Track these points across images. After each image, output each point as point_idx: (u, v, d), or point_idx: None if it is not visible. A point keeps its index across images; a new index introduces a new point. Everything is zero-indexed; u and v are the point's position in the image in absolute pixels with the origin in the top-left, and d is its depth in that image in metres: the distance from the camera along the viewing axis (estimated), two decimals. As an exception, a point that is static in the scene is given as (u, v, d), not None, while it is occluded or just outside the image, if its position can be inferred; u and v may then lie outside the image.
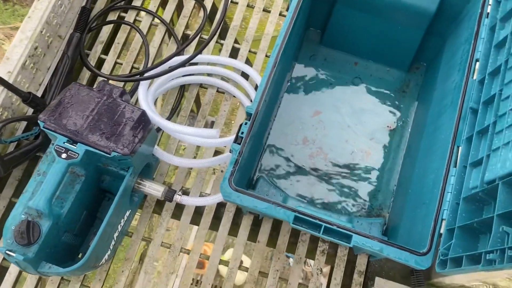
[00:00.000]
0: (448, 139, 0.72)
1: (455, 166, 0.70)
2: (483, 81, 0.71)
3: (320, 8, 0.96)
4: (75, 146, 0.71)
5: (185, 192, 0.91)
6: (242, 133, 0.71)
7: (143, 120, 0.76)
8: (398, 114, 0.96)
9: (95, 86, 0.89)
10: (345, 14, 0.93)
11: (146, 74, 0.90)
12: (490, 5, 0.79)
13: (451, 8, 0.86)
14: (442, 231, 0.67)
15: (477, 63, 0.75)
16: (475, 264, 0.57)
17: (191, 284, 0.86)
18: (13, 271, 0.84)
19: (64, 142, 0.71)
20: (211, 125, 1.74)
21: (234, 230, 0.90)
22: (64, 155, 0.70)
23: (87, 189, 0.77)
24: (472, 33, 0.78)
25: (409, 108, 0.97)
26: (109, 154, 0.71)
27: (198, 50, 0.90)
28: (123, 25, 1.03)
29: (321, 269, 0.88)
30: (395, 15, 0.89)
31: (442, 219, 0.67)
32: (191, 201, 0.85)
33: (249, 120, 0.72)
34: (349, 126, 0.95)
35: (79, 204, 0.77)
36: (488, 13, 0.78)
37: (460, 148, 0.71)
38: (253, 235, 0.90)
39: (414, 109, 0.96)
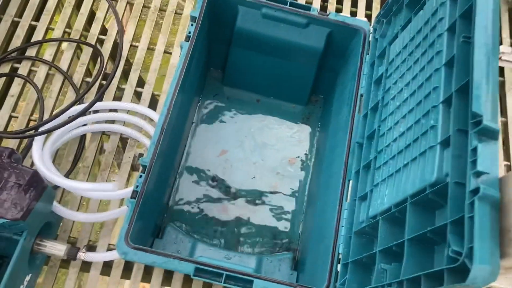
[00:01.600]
0: (340, 173, 0.75)
1: (347, 200, 0.73)
2: (367, 116, 0.76)
3: (218, 49, 0.97)
4: (-42, 216, 0.67)
5: (92, 246, 0.88)
6: (137, 186, 0.70)
7: (35, 180, 0.73)
8: (302, 147, 1.00)
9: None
10: (241, 55, 0.95)
11: (41, 128, 0.87)
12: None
13: (338, 45, 0.90)
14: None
15: (362, 99, 0.79)
16: (365, 300, 0.59)
17: None
18: None
19: None
20: (138, 156, 1.70)
21: (146, 278, 0.88)
22: None
23: (-23, 259, 0.73)
24: (356, 69, 0.83)
25: (312, 140, 1.00)
26: (-3, 222, 0.67)
27: (95, 98, 0.88)
28: (17, 77, 0.99)
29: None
30: (287, 53, 0.93)
31: (338, 253, 0.69)
32: (96, 257, 0.82)
33: (143, 173, 0.71)
34: (255, 163, 0.97)
35: (-30, 275, 0.72)
36: (369, 50, 0.83)
37: (351, 181, 0.74)
38: (166, 283, 0.88)
39: (316, 141, 1.00)
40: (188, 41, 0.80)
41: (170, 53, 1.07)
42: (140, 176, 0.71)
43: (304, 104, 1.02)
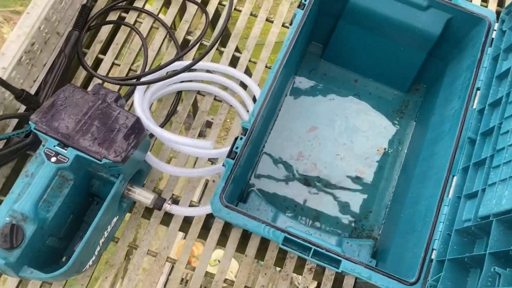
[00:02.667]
0: (444, 167, 0.72)
1: (449, 196, 0.69)
2: (483, 112, 0.71)
3: (324, 22, 0.95)
4: (66, 150, 0.69)
5: (175, 201, 0.90)
6: (237, 148, 0.70)
7: (136, 127, 0.74)
8: (395, 134, 0.96)
9: (90, 88, 0.88)
10: (348, 30, 0.92)
11: (143, 79, 0.89)
12: (495, 32, 0.78)
13: (456, 33, 0.85)
14: (432, 261, 0.66)
15: (478, 92, 0.74)
16: (463, 300, 0.56)
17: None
18: (-6, 271, 0.82)
19: (54, 146, 0.69)
20: (206, 125, 1.72)
21: (222, 241, 0.89)
22: (53, 159, 0.69)
23: (75, 194, 0.76)
24: (474, 60, 0.78)
25: (406, 130, 0.96)
26: (100, 161, 0.69)
27: (199, 58, 0.89)
28: (123, 25, 1.02)
29: (307, 287, 0.87)
30: (398, 35, 0.88)
31: (432, 249, 0.66)
32: (180, 211, 0.84)
33: (244, 135, 0.71)
34: (345, 144, 0.94)
35: (66, 208, 0.76)
36: (492, 42, 0.77)
37: (455, 177, 0.70)
38: (241, 248, 0.89)
39: (411, 131, 0.96)
40: (303, 9, 0.78)
41: (272, 22, 1.06)
42: (241, 138, 0.71)
43: (404, 91, 0.98)
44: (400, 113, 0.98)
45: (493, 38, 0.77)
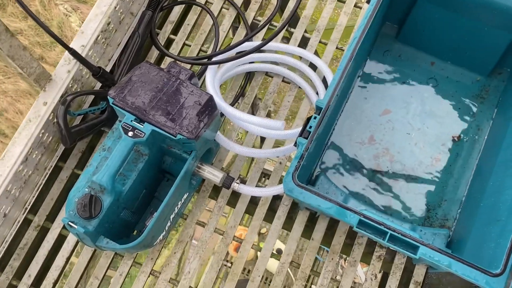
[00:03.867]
0: (533, 154, 0.67)
1: (540, 185, 0.64)
2: None
3: (401, 2, 0.90)
4: (142, 125, 0.71)
5: (242, 181, 0.90)
6: (310, 127, 0.68)
7: (209, 105, 0.74)
8: (474, 121, 0.90)
9: (164, 66, 0.89)
10: (427, 10, 0.87)
11: (214, 59, 0.89)
12: None
13: (548, 12, 0.78)
14: (518, 252, 0.62)
15: None
16: (558, 295, 0.52)
17: (242, 273, 0.85)
18: (71, 240, 0.86)
19: (131, 120, 0.71)
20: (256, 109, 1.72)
21: (288, 224, 0.88)
22: (130, 133, 0.70)
23: (149, 169, 0.78)
24: None
25: (486, 116, 0.90)
26: (175, 137, 0.70)
27: (269, 38, 0.88)
28: (194, 6, 1.02)
29: (376, 274, 0.85)
30: (483, 15, 0.83)
31: (520, 240, 0.62)
32: (248, 191, 0.84)
33: (318, 115, 0.69)
34: (420, 129, 0.90)
35: (140, 182, 0.77)
36: None
37: (547, 165, 0.65)
38: (307, 232, 0.88)
39: (492, 117, 0.90)
40: (382, -14, 0.75)
41: (344, 2, 1.03)
42: (315, 118, 0.69)
43: (485, 75, 0.92)
44: (480, 98, 0.92)
45: None
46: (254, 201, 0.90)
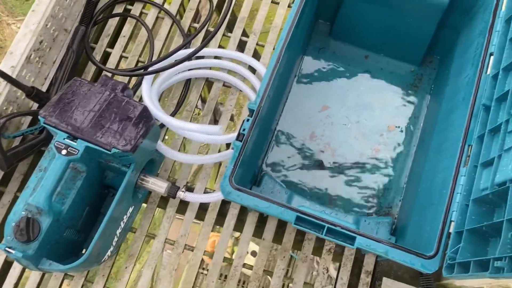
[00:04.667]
0: (459, 137, 0.69)
1: (466, 166, 0.67)
2: (497, 77, 0.68)
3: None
4: (75, 142, 0.70)
5: (190, 188, 0.90)
6: (244, 130, 0.69)
7: (144, 116, 0.74)
8: (410, 109, 0.93)
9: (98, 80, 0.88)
10: (355, 5, 0.90)
11: (150, 69, 0.89)
12: (506, -4, 0.75)
13: (465, 0, 0.82)
14: (450, 233, 0.64)
15: (491, 58, 0.72)
16: (483, 271, 0.54)
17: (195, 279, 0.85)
18: (17, 266, 0.84)
19: (64, 138, 0.70)
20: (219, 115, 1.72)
21: (239, 227, 0.89)
22: (64, 151, 0.70)
23: (89, 185, 0.77)
24: (486, 26, 0.75)
25: (421, 103, 0.94)
26: (110, 151, 0.70)
27: (203, 43, 0.88)
28: (129, 18, 1.02)
29: (327, 268, 0.86)
30: (407, 6, 0.86)
31: (450, 221, 0.64)
32: (194, 198, 0.84)
33: (251, 117, 0.70)
34: (358, 122, 0.93)
35: (81, 200, 0.76)
36: (504, 5, 0.74)
37: (471, 147, 0.68)
38: (258, 232, 0.88)
39: (426, 104, 0.93)
40: (304, -14, 0.76)
41: (278, 3, 1.04)
42: (248, 120, 0.70)
43: (417, 64, 0.95)
44: (414, 87, 0.95)
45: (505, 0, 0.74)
46: (203, 208, 0.90)
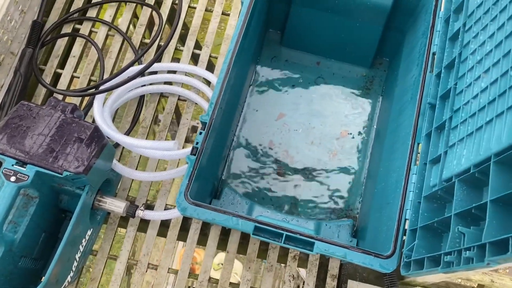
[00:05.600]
0: (408, 136, 0.71)
1: (416, 164, 0.68)
2: (440, 75, 0.70)
3: (277, 9, 0.94)
4: (25, 168, 0.68)
5: (150, 206, 0.89)
6: (197, 143, 0.69)
7: (96, 136, 0.73)
8: (363, 112, 0.95)
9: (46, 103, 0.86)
10: (302, 13, 0.91)
11: (101, 87, 0.87)
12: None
13: (407, 2, 0.84)
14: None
15: (435, 57, 0.74)
16: (436, 266, 0.55)
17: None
18: (-27, 300, 0.80)
19: (12, 165, 0.68)
20: (191, 129, 1.70)
21: (202, 241, 0.88)
22: (13, 178, 0.68)
23: (43, 211, 0.75)
24: (428, 26, 0.77)
25: (374, 105, 0.95)
26: (61, 174, 0.68)
27: (154, 58, 0.88)
28: (78, 37, 1.00)
29: (293, 275, 0.86)
30: (352, 12, 0.88)
31: (405, 219, 0.65)
32: (154, 216, 0.83)
33: (203, 130, 0.70)
34: (314, 128, 0.93)
35: (36, 227, 0.74)
36: (442, 5, 0.77)
37: (420, 145, 0.69)
38: (222, 245, 0.88)
39: (379, 106, 0.95)
40: (250, -3, 0.77)
41: (228, 15, 1.05)
42: (200, 133, 0.70)
43: (367, 67, 0.97)
44: (366, 89, 0.97)
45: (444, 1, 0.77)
46: (165, 224, 0.89)
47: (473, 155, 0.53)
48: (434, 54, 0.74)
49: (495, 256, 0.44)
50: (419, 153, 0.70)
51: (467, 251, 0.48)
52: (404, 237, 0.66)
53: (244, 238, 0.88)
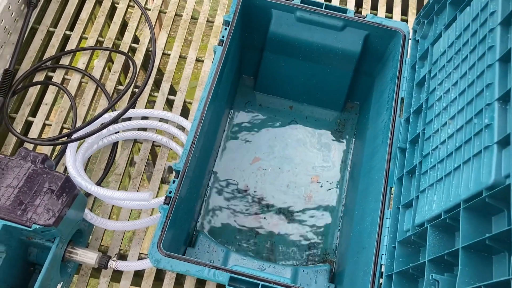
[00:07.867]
0: (381, 180, 0.72)
1: (390, 208, 0.69)
2: (409, 120, 0.72)
3: (250, 56, 0.96)
4: (-9, 222, 0.66)
5: (123, 256, 0.87)
6: (170, 192, 0.68)
7: (66, 186, 0.72)
8: (336, 155, 0.96)
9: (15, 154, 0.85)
10: (274, 60, 0.93)
11: (74, 135, 0.86)
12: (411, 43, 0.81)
13: (376, 48, 0.87)
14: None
15: (404, 102, 0.76)
16: (412, 313, 0.55)
17: None
18: None
19: (-22, 219, 0.66)
20: (168, 170, 1.69)
21: (179, 290, 0.86)
22: (-22, 233, 0.65)
23: (10, 266, 0.72)
24: (396, 72, 0.79)
25: (347, 148, 0.97)
26: (30, 227, 0.66)
27: (128, 105, 0.88)
28: (51, 85, 1.00)
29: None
30: (322, 58, 0.90)
31: (381, 264, 0.65)
32: (127, 266, 0.80)
33: (177, 178, 0.69)
34: (289, 171, 0.94)
35: (2, 283, 0.71)
36: (409, 52, 0.80)
37: (393, 189, 0.70)
38: (199, 294, 0.86)
39: (352, 149, 0.96)
40: (222, 46, 0.78)
41: (202, 61, 1.06)
42: (173, 182, 0.69)
43: (339, 110, 0.99)
44: (339, 132, 0.98)
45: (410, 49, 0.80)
46: (139, 274, 0.86)
47: (443, 201, 0.54)
48: (402, 99, 0.76)
49: (470, 304, 0.44)
50: (392, 195, 0.71)
51: (442, 300, 0.48)
52: (381, 281, 0.65)
53: (221, 285, 0.86)
